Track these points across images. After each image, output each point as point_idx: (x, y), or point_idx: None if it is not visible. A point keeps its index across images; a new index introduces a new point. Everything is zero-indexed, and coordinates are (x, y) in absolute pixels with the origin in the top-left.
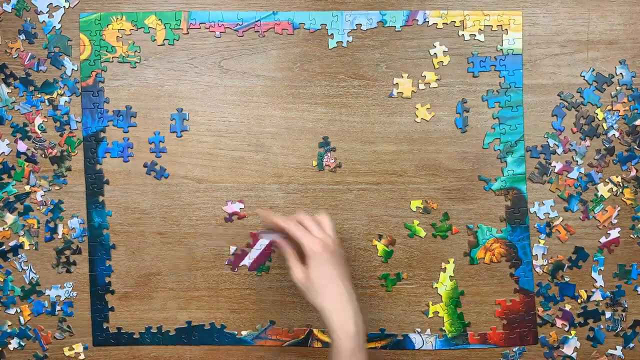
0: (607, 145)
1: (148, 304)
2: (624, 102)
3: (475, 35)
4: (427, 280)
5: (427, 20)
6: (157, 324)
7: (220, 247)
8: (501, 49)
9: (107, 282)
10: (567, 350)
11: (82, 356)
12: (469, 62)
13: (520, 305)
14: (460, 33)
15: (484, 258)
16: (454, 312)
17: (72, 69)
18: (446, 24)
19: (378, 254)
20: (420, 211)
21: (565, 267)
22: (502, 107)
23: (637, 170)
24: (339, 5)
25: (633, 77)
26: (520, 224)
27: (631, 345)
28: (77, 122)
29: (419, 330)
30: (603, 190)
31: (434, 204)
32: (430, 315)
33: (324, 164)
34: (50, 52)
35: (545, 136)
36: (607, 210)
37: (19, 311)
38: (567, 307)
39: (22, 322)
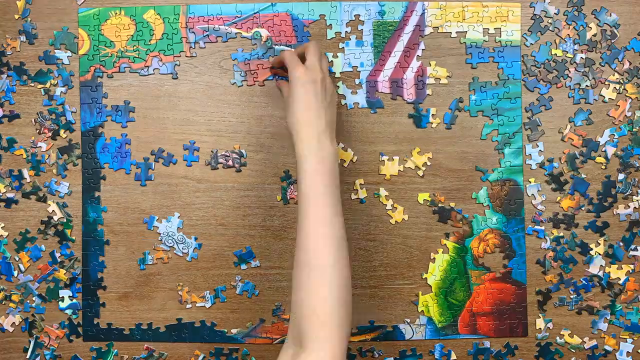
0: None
1: (148, 304)
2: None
3: (474, 26)
4: (417, 270)
5: (425, 11)
6: (150, 322)
7: (220, 247)
8: (499, 41)
9: (99, 277)
10: (593, 269)
11: None
12: (467, 53)
13: (511, 296)
14: (459, 24)
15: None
16: (443, 302)
17: (68, 57)
18: (444, 14)
19: (450, 253)
20: (428, 204)
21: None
22: (500, 99)
23: (629, 63)
24: None
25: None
26: (516, 216)
27: None
28: (72, 112)
29: (408, 320)
30: (607, 92)
31: (441, 197)
32: (420, 305)
33: (288, 197)
34: (57, 48)
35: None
36: (618, 106)
37: (17, 259)
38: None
39: (23, 269)
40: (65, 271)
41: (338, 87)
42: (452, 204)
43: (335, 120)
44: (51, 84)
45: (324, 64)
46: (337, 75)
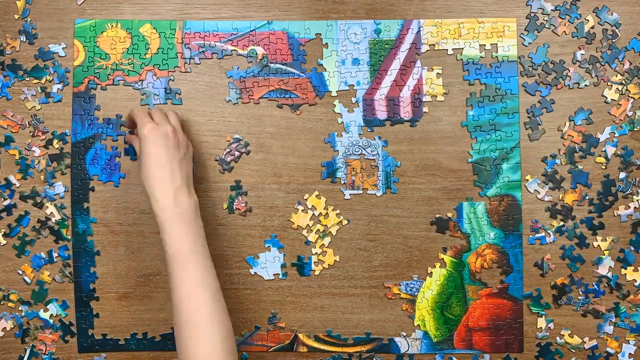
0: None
1: (148, 304)
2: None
3: (470, 43)
4: (417, 271)
5: (421, 28)
6: (154, 326)
7: (221, 246)
8: (496, 56)
9: (91, 288)
10: (602, 270)
11: None
12: (464, 69)
13: (508, 312)
14: (455, 41)
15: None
16: (439, 316)
17: (63, 49)
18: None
19: (447, 267)
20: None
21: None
22: (498, 114)
23: (630, 63)
24: (334, 14)
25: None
26: (514, 231)
27: None
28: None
29: (404, 334)
30: (609, 93)
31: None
32: (417, 319)
33: (234, 207)
34: (53, 39)
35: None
36: (620, 105)
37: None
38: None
39: (20, 272)
40: (57, 274)
41: (334, 105)
42: (450, 214)
43: (191, 173)
44: (47, 79)
45: (172, 118)
46: (334, 94)
